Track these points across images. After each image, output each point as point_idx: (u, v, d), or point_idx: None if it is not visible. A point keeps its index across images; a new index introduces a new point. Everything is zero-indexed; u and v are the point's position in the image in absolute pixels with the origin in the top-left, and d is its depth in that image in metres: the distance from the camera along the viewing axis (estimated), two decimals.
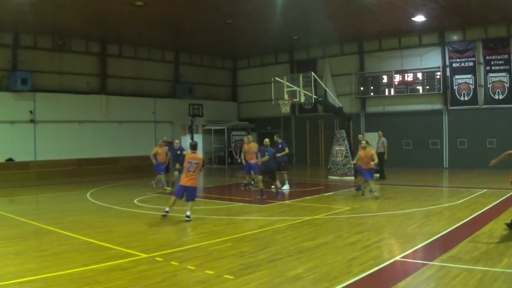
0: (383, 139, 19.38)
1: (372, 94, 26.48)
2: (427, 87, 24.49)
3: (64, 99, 23.88)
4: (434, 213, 11.20)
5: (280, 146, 16.02)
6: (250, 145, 16.56)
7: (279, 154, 15.57)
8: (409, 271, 6.49)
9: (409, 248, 7.80)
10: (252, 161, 16.11)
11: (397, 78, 25.38)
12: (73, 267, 6.87)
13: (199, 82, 30.71)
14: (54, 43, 23.98)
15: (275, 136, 16.48)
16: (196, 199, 11.10)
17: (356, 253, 7.47)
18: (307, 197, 14.64)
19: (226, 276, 6.37)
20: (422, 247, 7.90)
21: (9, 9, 18.27)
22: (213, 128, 30.10)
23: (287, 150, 16.12)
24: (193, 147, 11.13)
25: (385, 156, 19.19)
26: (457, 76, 23.86)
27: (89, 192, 16.19)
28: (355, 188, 15.65)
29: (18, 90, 21.98)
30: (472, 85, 23.47)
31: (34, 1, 17.40)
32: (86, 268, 6.81)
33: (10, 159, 22.13)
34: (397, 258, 7.31)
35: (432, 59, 24.61)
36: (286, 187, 16.44)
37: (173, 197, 11.07)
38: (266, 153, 14.47)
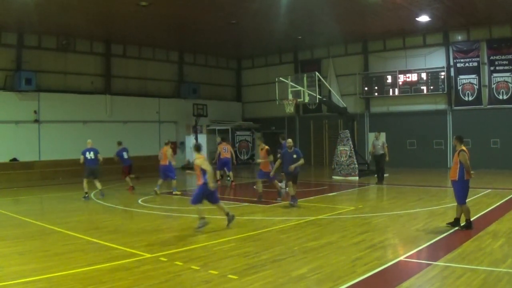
0: (383, 140, 19.09)
1: (376, 94, 26.42)
2: (431, 87, 24.42)
3: (69, 99, 23.94)
4: (438, 213, 11.19)
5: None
6: None
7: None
8: (413, 271, 6.48)
9: (413, 248, 7.79)
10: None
11: (401, 78, 25.31)
12: (77, 267, 6.90)
13: (204, 82, 30.75)
14: (59, 43, 24.05)
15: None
16: None
17: (360, 253, 7.46)
18: (311, 197, 14.63)
19: (230, 276, 6.37)
20: (426, 247, 7.89)
21: (13, 9, 18.35)
22: (217, 128, 30.03)
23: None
24: None
25: (387, 158, 18.36)
26: (461, 76, 23.79)
27: (93, 192, 16.21)
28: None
29: (22, 90, 22.05)
30: (476, 85, 23.38)
31: (38, 1, 17.47)
32: (90, 268, 6.83)
33: (14, 159, 22.22)
34: (401, 258, 7.31)
35: (436, 59, 24.54)
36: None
37: None
38: (295, 155, 12.65)
